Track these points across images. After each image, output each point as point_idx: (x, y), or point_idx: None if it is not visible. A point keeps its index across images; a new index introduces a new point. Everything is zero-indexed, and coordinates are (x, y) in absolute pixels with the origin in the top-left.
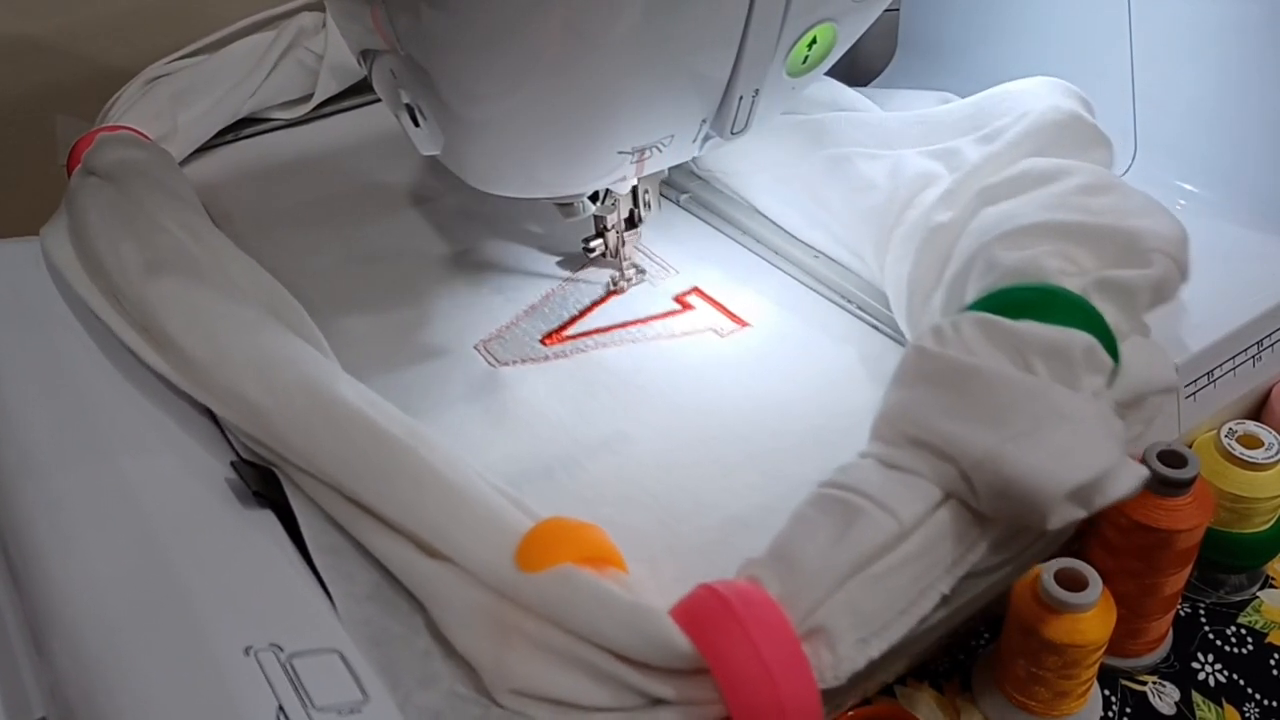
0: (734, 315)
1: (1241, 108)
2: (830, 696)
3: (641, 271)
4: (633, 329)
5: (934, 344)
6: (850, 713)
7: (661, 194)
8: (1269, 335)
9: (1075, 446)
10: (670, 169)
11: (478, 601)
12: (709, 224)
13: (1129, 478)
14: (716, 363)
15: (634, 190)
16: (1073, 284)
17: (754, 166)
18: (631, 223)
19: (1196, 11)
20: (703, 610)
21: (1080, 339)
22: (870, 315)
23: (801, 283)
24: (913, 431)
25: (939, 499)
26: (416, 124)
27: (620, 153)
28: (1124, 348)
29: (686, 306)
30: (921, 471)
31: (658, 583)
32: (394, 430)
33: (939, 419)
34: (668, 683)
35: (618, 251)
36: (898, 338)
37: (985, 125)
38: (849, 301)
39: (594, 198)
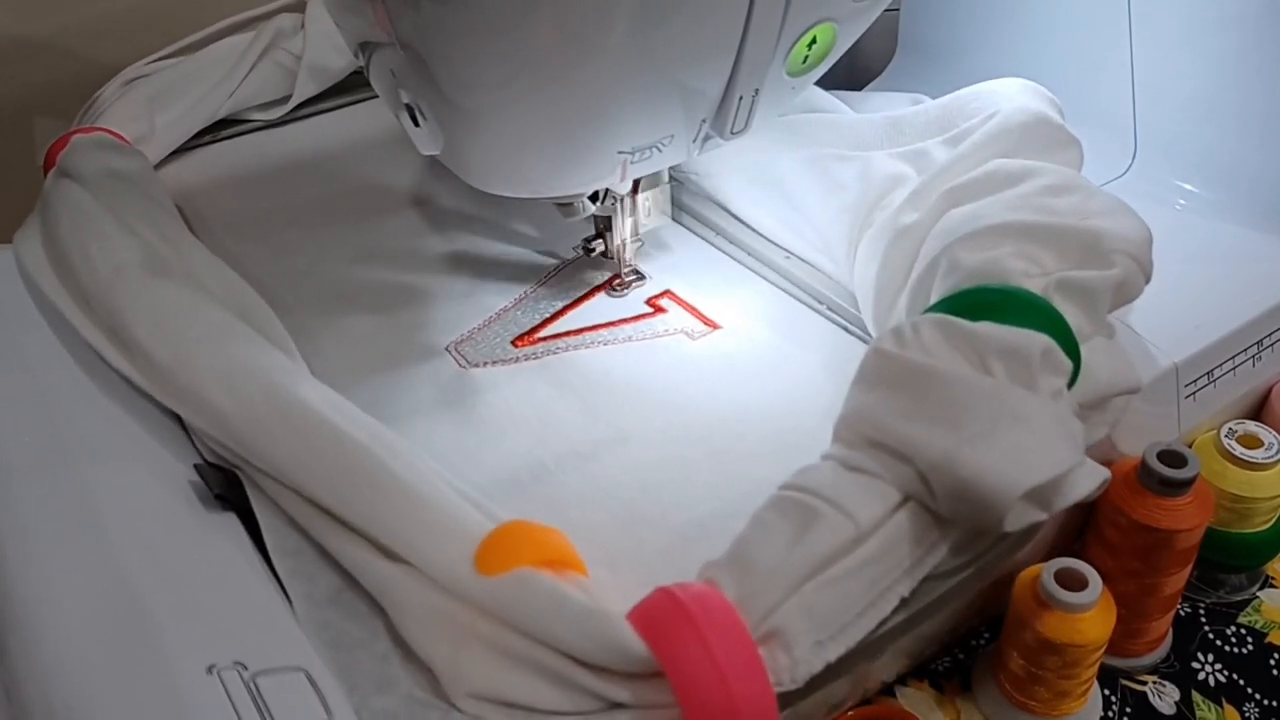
0: (705, 318)
1: (1241, 108)
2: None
3: (642, 276)
4: (604, 331)
5: (893, 346)
6: (850, 713)
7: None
8: (1269, 335)
9: (1031, 448)
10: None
11: (435, 604)
12: (682, 225)
13: (1088, 479)
14: (686, 365)
15: (634, 194)
16: (1034, 285)
17: (727, 168)
18: (633, 228)
19: (1197, 12)
20: (659, 613)
21: (1038, 340)
22: (841, 317)
23: (774, 284)
24: (871, 434)
25: (897, 501)
26: (416, 124)
27: (620, 152)
28: (1086, 349)
29: (659, 309)
30: (880, 474)
31: (619, 586)
32: (354, 433)
33: (897, 421)
34: (624, 686)
35: (618, 254)
36: (867, 339)
37: (953, 126)
38: (820, 303)
39: (594, 198)
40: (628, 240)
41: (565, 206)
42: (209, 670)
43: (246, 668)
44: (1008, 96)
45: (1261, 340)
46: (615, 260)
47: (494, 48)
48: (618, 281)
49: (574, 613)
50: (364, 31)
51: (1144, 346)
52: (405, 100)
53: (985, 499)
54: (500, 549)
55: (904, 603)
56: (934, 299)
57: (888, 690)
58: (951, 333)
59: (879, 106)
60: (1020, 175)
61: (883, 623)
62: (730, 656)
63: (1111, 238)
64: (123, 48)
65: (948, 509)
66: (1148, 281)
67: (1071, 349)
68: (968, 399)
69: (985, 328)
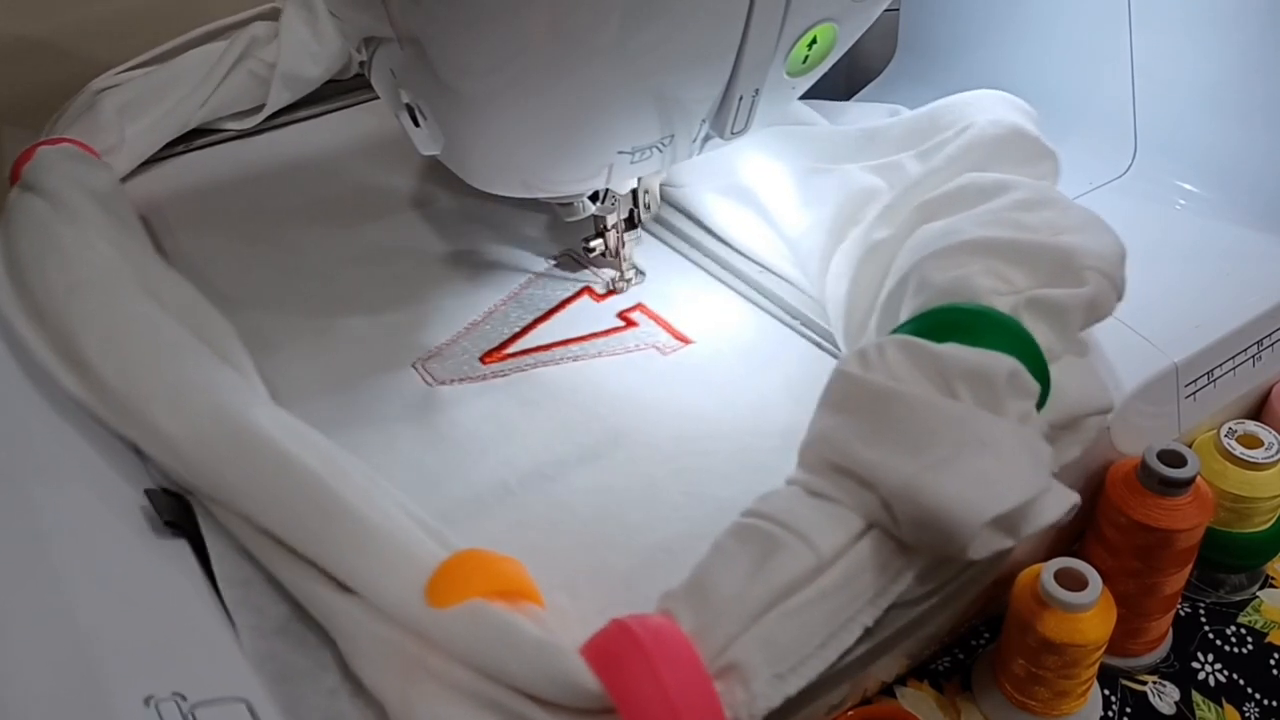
0: (677, 332)
1: (1242, 108)
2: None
3: (641, 273)
4: (574, 347)
5: (858, 368)
6: (850, 712)
7: None
8: (1269, 335)
9: (996, 474)
10: None
11: (386, 637)
12: (656, 237)
13: (1056, 505)
14: (655, 381)
15: (634, 191)
16: (1003, 303)
17: (701, 180)
18: (631, 223)
19: (1197, 11)
20: (612, 647)
21: (1004, 363)
22: (814, 333)
23: (748, 299)
24: (835, 459)
25: (860, 529)
26: (416, 124)
27: (620, 152)
28: (1056, 369)
29: (630, 323)
30: (843, 500)
31: (579, 613)
32: (305, 458)
33: (860, 446)
34: None
35: (618, 252)
36: (840, 356)
37: (927, 139)
38: (794, 319)
39: (594, 197)
40: (627, 240)
41: (565, 206)
42: (146, 701)
43: (185, 699)
44: (982, 108)
45: (1261, 340)
46: (615, 260)
47: (492, 35)
48: (618, 281)
49: (526, 647)
50: (368, 26)
51: (1144, 346)
52: (405, 100)
53: (949, 527)
54: (452, 580)
55: (868, 632)
56: (903, 317)
57: (888, 690)
58: (917, 355)
59: (855, 117)
60: (993, 190)
61: (846, 653)
62: (684, 692)
63: (1083, 254)
64: (95, 57)
65: (911, 537)
66: (1120, 299)
67: (1040, 369)
68: (932, 423)
69: (951, 350)
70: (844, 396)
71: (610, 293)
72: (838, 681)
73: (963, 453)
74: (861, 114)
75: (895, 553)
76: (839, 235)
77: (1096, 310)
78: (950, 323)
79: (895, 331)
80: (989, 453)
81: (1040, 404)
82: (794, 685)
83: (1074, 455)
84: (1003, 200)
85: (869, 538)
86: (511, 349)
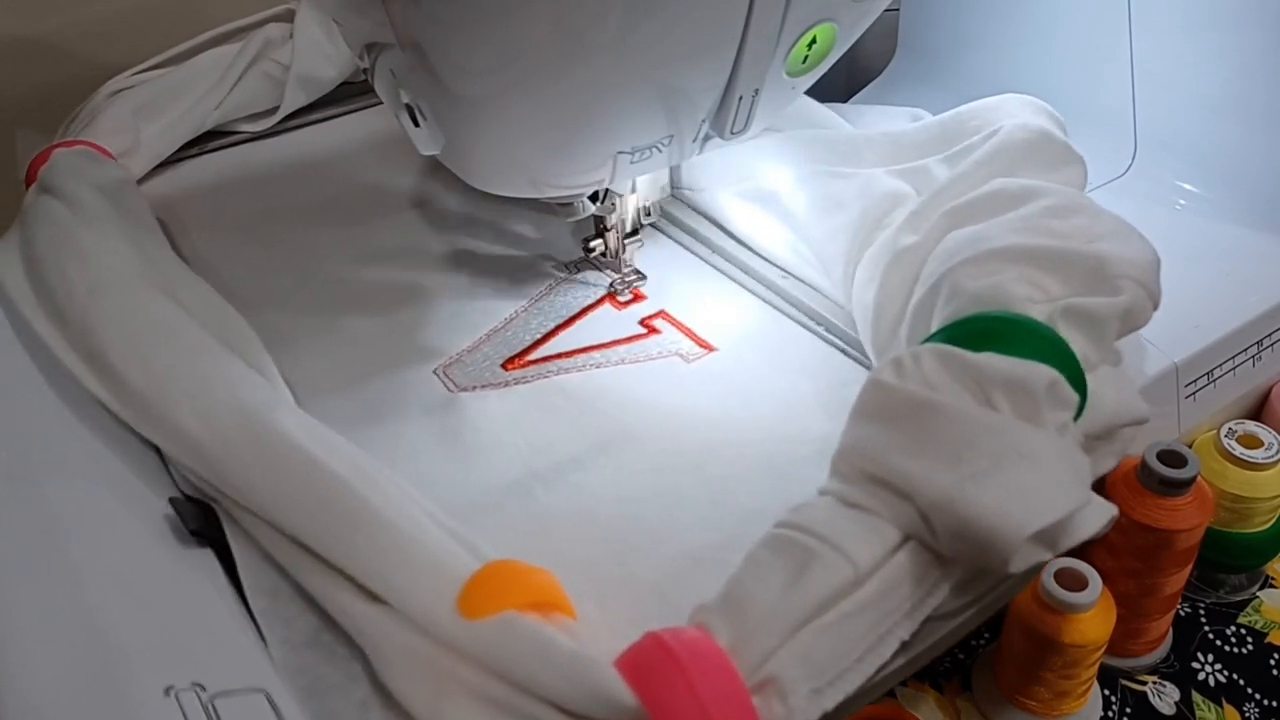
0: (700, 339)
1: (1242, 107)
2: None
3: (643, 276)
4: (596, 354)
5: (893, 377)
6: None
7: None
8: (1269, 335)
9: (1037, 487)
10: None
11: (417, 648)
12: (678, 242)
13: (1096, 517)
14: (679, 389)
15: (634, 194)
16: (1039, 312)
17: (722, 184)
18: (632, 230)
19: (1197, 11)
20: (648, 661)
21: (1044, 373)
22: (839, 339)
23: (771, 304)
24: (870, 469)
25: (897, 541)
26: (416, 124)
27: (620, 152)
28: (1092, 379)
29: (652, 330)
30: (879, 511)
31: (609, 624)
32: (333, 465)
33: (896, 456)
34: None
35: (618, 254)
36: (866, 363)
37: (954, 144)
38: (818, 324)
39: (594, 198)
40: (627, 241)
41: (565, 206)
42: (166, 692)
43: (205, 689)
44: (1009, 113)
45: (1261, 340)
46: (614, 261)
47: (493, 36)
48: (619, 282)
49: (561, 660)
50: (370, 32)
51: (1144, 346)
52: (405, 100)
53: (990, 540)
54: (485, 591)
55: (904, 646)
56: (935, 325)
57: (888, 690)
58: (953, 364)
59: (876, 121)
60: (1023, 196)
61: (882, 667)
62: (722, 707)
63: (1118, 262)
64: (107, 57)
65: (950, 549)
66: (1156, 308)
67: (1078, 379)
68: (971, 434)
69: (988, 359)
70: (878, 406)
71: (633, 299)
72: (872, 694)
73: (1003, 464)
74: (881, 116)
75: (932, 565)
76: (864, 240)
77: (1133, 319)
78: (985, 331)
79: (929, 339)
80: (1029, 465)
81: (1077, 415)
82: (832, 700)
83: (1110, 466)
84: (1033, 207)
85: (906, 550)
86: (533, 355)
